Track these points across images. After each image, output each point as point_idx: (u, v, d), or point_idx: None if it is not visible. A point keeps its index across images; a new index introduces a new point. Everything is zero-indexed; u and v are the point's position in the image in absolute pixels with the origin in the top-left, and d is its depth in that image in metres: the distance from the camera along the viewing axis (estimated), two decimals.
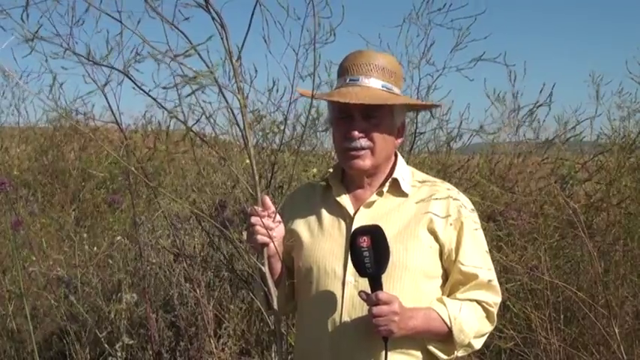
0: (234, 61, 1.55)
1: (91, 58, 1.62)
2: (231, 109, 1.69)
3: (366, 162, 2.11)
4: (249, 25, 1.56)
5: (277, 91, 4.40)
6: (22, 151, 7.02)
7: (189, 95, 1.48)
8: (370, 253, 1.92)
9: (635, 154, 4.37)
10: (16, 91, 6.62)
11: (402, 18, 4.06)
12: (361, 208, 2.14)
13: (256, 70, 4.25)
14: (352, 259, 1.96)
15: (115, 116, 3.79)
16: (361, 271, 1.95)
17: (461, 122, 4.57)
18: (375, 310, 1.91)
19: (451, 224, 2.09)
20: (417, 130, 4.39)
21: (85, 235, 4.95)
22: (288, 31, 2.61)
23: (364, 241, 1.93)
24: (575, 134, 4.41)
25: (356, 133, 2.07)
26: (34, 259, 4.88)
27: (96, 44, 1.85)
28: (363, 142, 2.08)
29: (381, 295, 1.92)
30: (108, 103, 3.60)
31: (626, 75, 4.30)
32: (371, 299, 1.93)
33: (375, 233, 1.94)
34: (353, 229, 2.00)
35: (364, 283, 1.98)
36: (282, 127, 4.29)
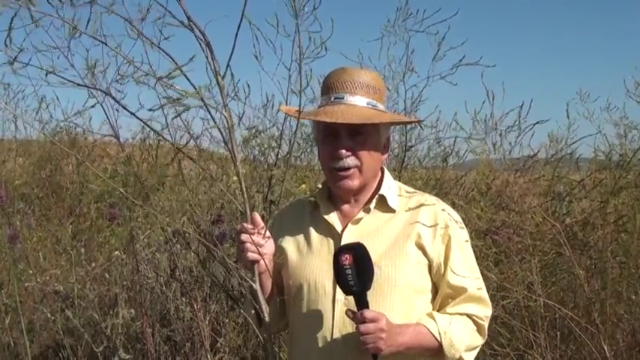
0: (220, 79, 1.55)
1: (74, 80, 1.62)
2: (219, 128, 1.69)
3: (354, 182, 2.12)
4: (234, 44, 1.56)
5: (272, 106, 4.44)
6: (19, 164, 7.02)
7: (175, 117, 1.48)
8: (353, 270, 1.92)
9: (633, 172, 4.36)
10: (11, 107, 6.63)
11: (380, 31, 4.08)
12: (349, 225, 2.14)
13: (249, 87, 4.30)
14: (336, 278, 1.96)
15: (113, 129, 3.81)
16: (346, 289, 1.95)
17: (455, 139, 4.58)
18: (362, 328, 1.91)
19: (441, 235, 2.10)
20: (407, 144, 4.37)
21: (82, 249, 4.95)
22: (279, 47, 2.63)
23: (346, 259, 1.92)
24: (568, 153, 4.42)
25: (343, 152, 2.08)
26: (30, 272, 4.87)
27: (87, 60, 1.85)
28: (350, 160, 2.09)
29: (367, 313, 1.92)
30: (107, 116, 3.62)
31: (615, 92, 4.34)
32: (357, 317, 1.93)
33: (357, 250, 1.94)
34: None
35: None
36: (279, 142, 4.31)
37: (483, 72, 4.11)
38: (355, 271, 1.92)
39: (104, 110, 3.12)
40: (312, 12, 1.80)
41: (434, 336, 2.02)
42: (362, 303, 1.95)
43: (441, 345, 2.02)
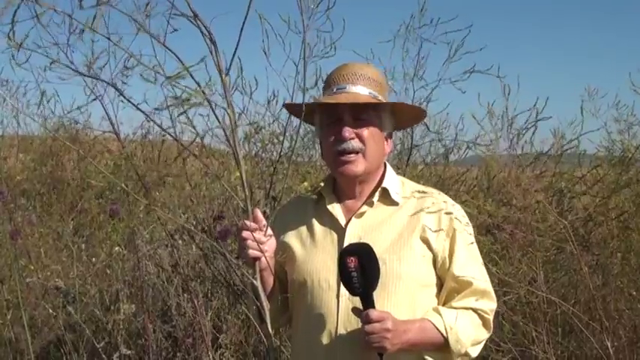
0: (224, 76, 1.55)
1: (78, 70, 1.61)
2: (222, 126, 1.68)
3: (358, 167, 2.11)
4: (239, 39, 1.55)
5: (276, 102, 4.44)
6: (21, 160, 7.02)
7: (180, 114, 1.47)
8: (358, 273, 1.92)
9: (635, 168, 4.35)
10: (13, 101, 6.63)
11: (393, 34, 4.09)
12: (352, 218, 2.14)
13: (257, 82, 4.29)
14: (342, 280, 1.97)
15: (113, 126, 3.79)
16: (351, 291, 1.96)
17: (456, 135, 4.58)
18: (367, 327, 1.92)
19: (445, 228, 2.10)
20: (414, 143, 4.39)
21: (83, 245, 4.95)
22: (288, 44, 2.62)
23: (351, 262, 1.92)
24: (571, 147, 4.41)
25: (347, 133, 2.08)
26: (32, 268, 4.88)
27: (88, 54, 1.84)
28: (354, 143, 2.09)
29: (372, 313, 1.92)
30: (106, 112, 3.59)
31: (621, 89, 4.33)
32: (363, 317, 1.94)
33: (362, 253, 1.95)
34: (341, 249, 2.01)
35: None
36: (280, 139, 4.31)
37: (500, 67, 4.11)
38: (361, 273, 1.92)
39: (102, 105, 3.09)
40: (326, 12, 1.79)
41: (440, 331, 2.02)
42: (368, 303, 1.95)
43: (446, 340, 2.02)
